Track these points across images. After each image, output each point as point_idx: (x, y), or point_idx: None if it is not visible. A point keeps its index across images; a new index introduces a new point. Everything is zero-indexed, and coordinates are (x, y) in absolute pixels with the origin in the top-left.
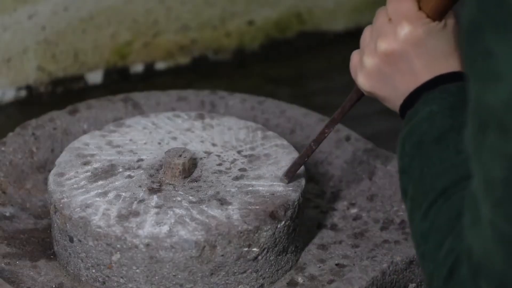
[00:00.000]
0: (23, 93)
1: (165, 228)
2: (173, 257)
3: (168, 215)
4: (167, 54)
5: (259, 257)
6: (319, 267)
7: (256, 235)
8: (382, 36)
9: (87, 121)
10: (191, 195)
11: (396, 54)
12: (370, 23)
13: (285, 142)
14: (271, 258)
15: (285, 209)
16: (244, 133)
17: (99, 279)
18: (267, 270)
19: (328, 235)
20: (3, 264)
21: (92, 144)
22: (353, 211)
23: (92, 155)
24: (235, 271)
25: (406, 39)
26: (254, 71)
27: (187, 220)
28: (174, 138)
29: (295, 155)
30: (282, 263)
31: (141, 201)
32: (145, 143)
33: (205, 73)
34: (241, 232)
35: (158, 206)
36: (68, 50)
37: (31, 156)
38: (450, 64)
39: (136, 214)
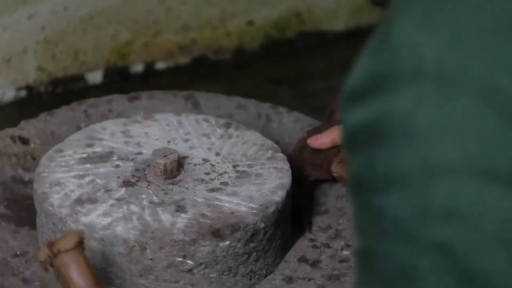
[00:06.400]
0: (23, 93)
1: (106, 220)
2: (103, 249)
3: (120, 210)
4: (167, 54)
5: (195, 271)
6: None
7: (193, 247)
8: None
9: (144, 110)
10: (157, 196)
11: None
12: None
13: (286, 167)
14: (212, 275)
15: (232, 230)
16: (255, 150)
17: None
18: (205, 286)
19: (302, 269)
20: None
21: (109, 129)
22: (345, 253)
23: (101, 139)
24: (166, 278)
25: None
26: (254, 71)
27: (134, 218)
28: (186, 140)
29: (287, 181)
30: (228, 283)
31: (108, 190)
32: (156, 139)
33: (205, 73)
34: (175, 241)
35: (118, 199)
36: (68, 50)
37: (75, 131)
38: None
39: (93, 201)
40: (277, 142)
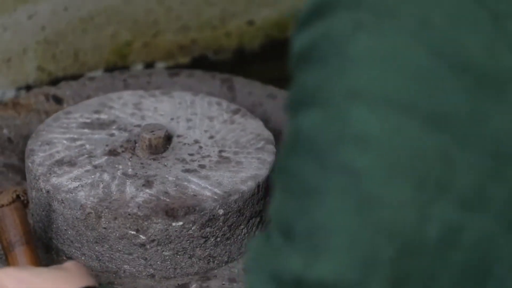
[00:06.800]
0: (23, 93)
1: (73, 185)
2: (63, 211)
3: (93, 176)
4: (167, 54)
5: (147, 246)
6: (223, 284)
7: (146, 223)
8: None
9: (182, 87)
10: (132, 169)
11: None
12: None
13: (269, 159)
14: (166, 253)
15: (186, 211)
16: (248, 138)
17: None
18: (158, 263)
19: None
20: None
21: (124, 99)
22: None
23: (110, 108)
24: (120, 249)
25: None
26: (254, 71)
27: (101, 186)
28: (188, 120)
29: (263, 173)
30: (183, 264)
31: (91, 156)
32: (161, 115)
33: None
34: (129, 214)
35: (96, 166)
36: (68, 50)
37: None
38: None
39: (72, 164)
40: None
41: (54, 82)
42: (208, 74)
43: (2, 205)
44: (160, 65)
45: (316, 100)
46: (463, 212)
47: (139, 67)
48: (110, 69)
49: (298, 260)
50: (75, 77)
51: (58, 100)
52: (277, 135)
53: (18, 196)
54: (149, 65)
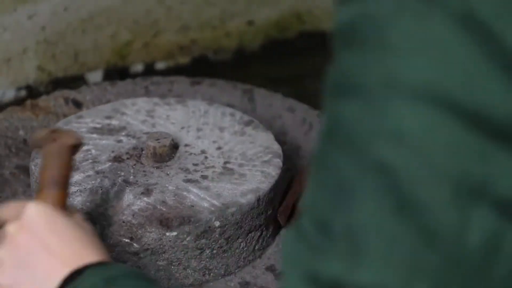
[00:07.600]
0: (23, 93)
1: (72, 189)
2: None
3: (93, 182)
4: (167, 54)
5: (141, 255)
6: None
7: (140, 231)
8: (9, 225)
9: (202, 96)
10: (134, 176)
11: (24, 240)
12: None
13: (274, 173)
14: (160, 263)
15: (180, 222)
16: (256, 151)
17: None
18: (152, 272)
19: (265, 278)
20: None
21: (138, 106)
22: None
23: (123, 114)
24: (114, 256)
25: (31, 225)
26: (254, 71)
27: (99, 192)
28: (199, 130)
29: (265, 187)
30: (178, 275)
31: (96, 162)
32: (172, 123)
33: (205, 73)
34: (123, 222)
35: (98, 172)
36: (68, 50)
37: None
38: (90, 253)
39: (75, 169)
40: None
41: (54, 82)
42: (230, 84)
43: (62, 144)
44: (160, 65)
45: (355, 88)
46: (502, 218)
47: (139, 67)
48: (110, 69)
49: (338, 263)
50: (75, 77)
51: (78, 104)
52: (293, 149)
53: (78, 145)
54: (149, 65)
